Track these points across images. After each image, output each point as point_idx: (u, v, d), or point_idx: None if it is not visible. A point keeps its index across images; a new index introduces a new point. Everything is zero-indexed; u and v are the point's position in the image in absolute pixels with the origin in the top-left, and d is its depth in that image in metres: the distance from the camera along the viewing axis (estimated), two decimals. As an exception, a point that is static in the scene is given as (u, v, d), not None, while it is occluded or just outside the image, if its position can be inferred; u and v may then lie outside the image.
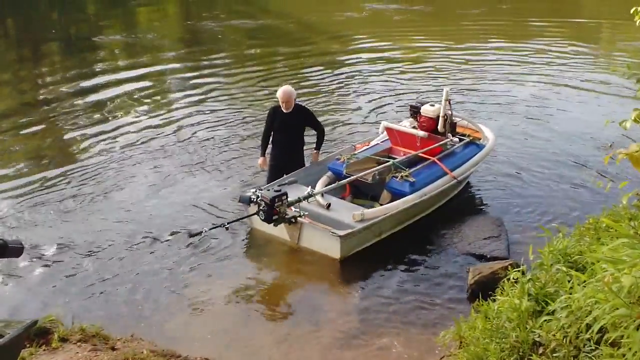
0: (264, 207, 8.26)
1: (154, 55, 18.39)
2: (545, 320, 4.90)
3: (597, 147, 11.90)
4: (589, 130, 12.65)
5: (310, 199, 8.79)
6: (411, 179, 9.20)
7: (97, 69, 16.83)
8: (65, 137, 12.76)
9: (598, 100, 14.59)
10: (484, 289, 7.05)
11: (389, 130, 10.33)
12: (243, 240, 9.10)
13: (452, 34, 20.81)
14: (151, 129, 12.94)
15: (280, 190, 8.38)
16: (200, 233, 8.52)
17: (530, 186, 10.63)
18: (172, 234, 9.07)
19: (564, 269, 5.46)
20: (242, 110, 13.96)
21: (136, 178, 10.85)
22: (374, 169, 9.39)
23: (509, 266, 7.19)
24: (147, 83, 15.84)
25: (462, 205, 10.07)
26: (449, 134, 10.15)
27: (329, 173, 9.71)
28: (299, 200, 8.60)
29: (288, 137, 9.51)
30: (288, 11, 23.42)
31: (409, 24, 22.23)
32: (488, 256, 8.44)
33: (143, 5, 26.07)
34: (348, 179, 9.33)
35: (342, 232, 8.29)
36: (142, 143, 12.28)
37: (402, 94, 15.13)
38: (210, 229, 8.61)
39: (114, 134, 12.70)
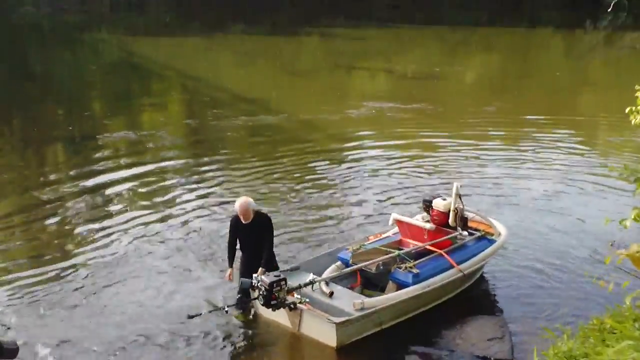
0: (263, 291, 8.40)
1: (157, 152, 18.56)
2: None
3: (600, 244, 11.91)
4: (591, 227, 12.75)
5: (314, 287, 8.98)
6: (415, 270, 9.33)
7: (101, 165, 16.94)
8: (70, 232, 12.87)
9: (599, 198, 14.74)
10: (489, 392, 6.92)
11: (398, 222, 10.56)
12: (245, 325, 9.23)
13: (454, 129, 21.16)
14: (156, 223, 13.11)
15: (279, 276, 8.52)
16: (200, 314, 8.76)
17: (534, 284, 10.65)
18: (173, 327, 9.05)
19: (570, 372, 5.37)
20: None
21: (142, 273, 10.98)
22: (379, 259, 9.47)
23: (514, 368, 7.08)
24: (151, 179, 15.95)
25: (466, 301, 10.02)
26: (459, 228, 10.21)
27: (338, 262, 9.93)
28: (299, 287, 8.76)
29: (254, 246, 9.50)
30: (290, 110, 23.78)
31: (411, 121, 22.59)
32: (492, 358, 8.34)
33: (147, 104, 26.49)
34: (351, 268, 9.52)
35: (338, 320, 8.39)
36: (147, 238, 12.45)
37: (412, 187, 15.40)
38: (210, 311, 8.90)
39: (119, 229, 12.85)
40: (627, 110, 8.10)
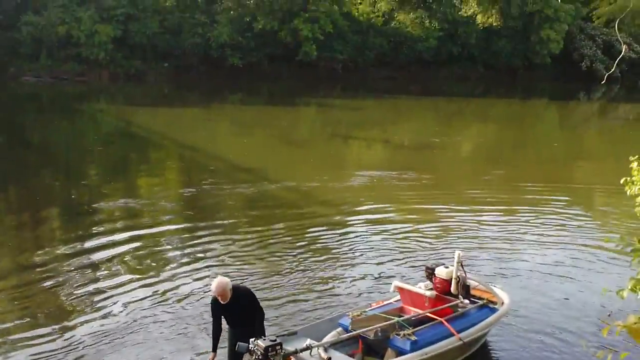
0: (258, 356, 8.36)
1: (153, 220, 18.52)
2: None
3: (601, 312, 11.83)
4: (591, 296, 12.67)
5: (312, 352, 8.96)
6: (413, 338, 9.28)
7: (95, 233, 16.88)
8: (66, 298, 12.74)
9: (599, 266, 14.70)
10: None
11: (400, 289, 10.59)
12: None
13: (453, 198, 21.26)
14: (154, 289, 12.99)
15: (275, 340, 8.47)
16: None
17: (533, 354, 10.54)
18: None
19: None
20: (241, 273, 13.94)
21: (138, 338, 10.78)
22: (377, 325, 9.47)
23: None
24: (149, 246, 15.85)
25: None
26: (461, 296, 10.19)
27: (339, 329, 9.89)
28: (295, 352, 8.75)
29: (238, 323, 9.34)
30: (287, 178, 23.87)
31: (410, 189, 22.66)
32: None
33: (144, 174, 26.63)
34: (349, 334, 9.53)
35: None
36: (145, 304, 12.38)
37: (413, 255, 15.39)
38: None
39: (115, 295, 12.83)
40: (622, 181, 8.17)
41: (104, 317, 11.75)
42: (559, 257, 15.38)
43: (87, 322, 11.50)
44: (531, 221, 18.60)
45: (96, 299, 12.62)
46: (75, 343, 10.64)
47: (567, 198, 21.89)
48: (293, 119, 42.45)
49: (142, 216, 19.11)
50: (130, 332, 11.08)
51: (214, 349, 9.30)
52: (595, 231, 17.83)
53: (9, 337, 10.98)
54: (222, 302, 9.13)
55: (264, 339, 8.52)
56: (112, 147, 32.22)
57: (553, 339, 11.04)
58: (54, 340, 10.79)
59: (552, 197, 21.62)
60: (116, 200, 20.85)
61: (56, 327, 11.37)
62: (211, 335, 9.43)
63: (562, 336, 11.09)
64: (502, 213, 19.59)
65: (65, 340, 10.75)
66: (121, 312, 11.95)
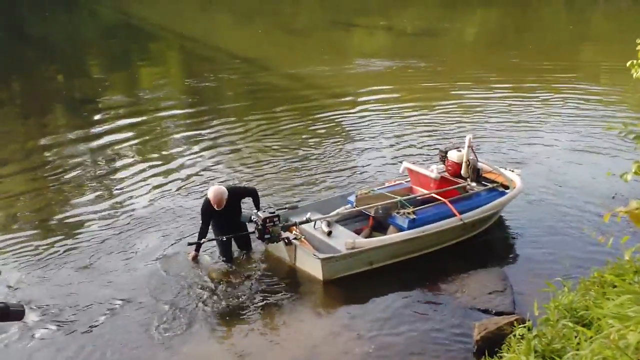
0: (258, 226, 9.10)
1: (156, 113, 18.45)
2: (553, 378, 4.84)
3: (602, 199, 11.86)
4: (593, 182, 12.65)
5: (316, 225, 9.72)
6: (412, 216, 9.65)
7: (100, 128, 16.84)
8: (68, 197, 12.70)
9: (602, 152, 14.53)
10: (491, 344, 7.00)
11: (409, 170, 10.92)
12: (249, 258, 9.76)
13: (459, 82, 21.14)
14: (155, 187, 12.86)
15: (274, 213, 9.20)
16: (198, 243, 9.36)
17: (536, 237, 10.60)
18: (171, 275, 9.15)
19: (570, 324, 5.43)
20: (250, 156, 14.16)
21: (141, 236, 10.74)
22: (378, 203, 9.94)
23: (515, 321, 7.12)
24: (150, 141, 15.83)
25: (468, 253, 10.04)
26: (469, 179, 10.46)
27: (347, 205, 10.40)
28: (295, 224, 9.53)
29: (227, 223, 9.59)
30: (288, 68, 23.67)
31: (415, 75, 22.53)
32: (493, 311, 8.35)
33: (146, 66, 26.42)
34: (349, 210, 10.22)
35: (323, 256, 8.99)
36: (145, 199, 12.33)
37: (425, 137, 15.48)
38: (209, 240, 9.46)
39: (118, 191, 12.76)
40: (628, 64, 8.08)
41: (104, 213, 11.63)
42: (569, 140, 15.26)
43: (84, 221, 11.31)
44: (538, 106, 18.48)
45: (96, 196, 12.55)
46: (68, 246, 10.35)
47: (573, 77, 21.70)
48: (292, 7, 41.66)
49: (145, 105, 19.12)
50: (126, 233, 10.76)
51: (197, 249, 9.52)
52: (602, 116, 17.65)
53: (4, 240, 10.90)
54: (216, 208, 9.35)
55: (264, 212, 9.20)
56: (112, 39, 31.84)
57: (558, 223, 11.05)
58: (45, 239, 10.62)
59: (558, 81, 21.42)
60: (118, 95, 20.83)
61: (51, 226, 11.25)
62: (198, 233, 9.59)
63: (567, 220, 11.12)
64: (510, 97, 19.43)
65: (55, 241, 10.53)
66: (122, 207, 11.84)
